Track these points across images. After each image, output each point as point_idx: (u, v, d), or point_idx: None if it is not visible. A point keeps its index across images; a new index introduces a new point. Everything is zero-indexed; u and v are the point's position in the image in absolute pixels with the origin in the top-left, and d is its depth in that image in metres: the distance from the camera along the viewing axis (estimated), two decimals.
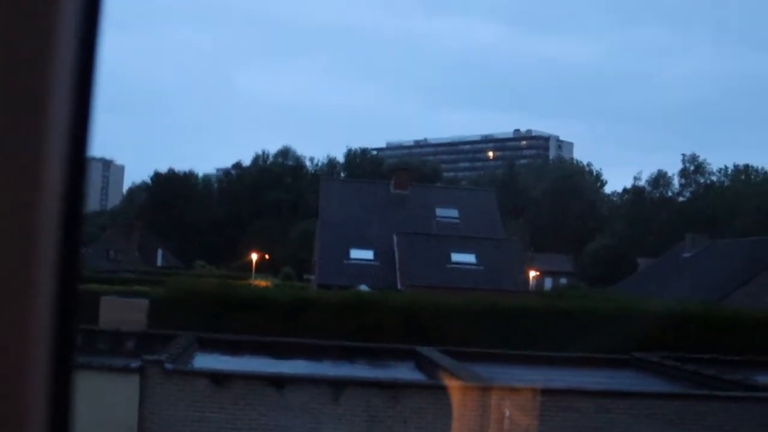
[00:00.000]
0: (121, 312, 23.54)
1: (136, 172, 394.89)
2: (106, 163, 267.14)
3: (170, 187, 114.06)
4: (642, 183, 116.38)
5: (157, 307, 25.85)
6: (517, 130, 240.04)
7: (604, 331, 26.92)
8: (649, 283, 57.30)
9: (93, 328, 22.99)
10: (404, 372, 20.68)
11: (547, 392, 17.44)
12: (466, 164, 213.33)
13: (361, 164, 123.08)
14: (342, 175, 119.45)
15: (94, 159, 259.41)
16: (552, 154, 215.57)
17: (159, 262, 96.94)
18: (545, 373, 20.40)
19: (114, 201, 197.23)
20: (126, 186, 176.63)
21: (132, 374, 16.68)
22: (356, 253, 49.82)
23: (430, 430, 16.31)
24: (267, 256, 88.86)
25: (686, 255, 62.22)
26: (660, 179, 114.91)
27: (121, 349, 21.59)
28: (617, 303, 29.92)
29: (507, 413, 16.20)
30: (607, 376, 21.92)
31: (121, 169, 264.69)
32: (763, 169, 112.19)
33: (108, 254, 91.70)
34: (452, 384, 17.30)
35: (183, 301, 25.94)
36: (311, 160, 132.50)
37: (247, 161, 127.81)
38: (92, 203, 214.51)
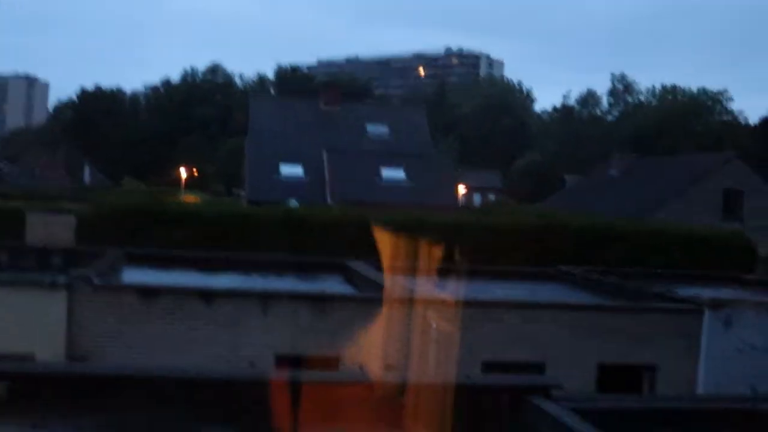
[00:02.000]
0: (48, 229, 23.25)
1: (62, 90, 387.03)
2: (30, 81, 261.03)
3: (97, 105, 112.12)
4: (571, 102, 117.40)
5: (84, 224, 25.56)
6: (448, 48, 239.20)
7: (531, 245, 27.36)
8: (576, 200, 58.10)
9: (19, 245, 22.73)
10: (333, 285, 20.82)
11: (474, 304, 17.72)
12: (398, 81, 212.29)
13: (292, 81, 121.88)
14: (272, 92, 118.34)
15: (17, 76, 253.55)
16: (483, 72, 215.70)
17: (86, 180, 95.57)
18: (472, 286, 20.68)
19: (39, 119, 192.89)
20: (51, 104, 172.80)
21: (59, 290, 16.52)
22: (286, 169, 49.64)
23: (358, 342, 16.50)
24: (196, 173, 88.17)
25: (613, 173, 63.11)
26: (589, 98, 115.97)
27: (48, 266, 21.37)
28: (544, 219, 30.35)
29: (434, 325, 16.44)
30: (533, 289, 22.31)
31: (46, 86, 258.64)
32: (689, 89, 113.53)
33: (33, 172, 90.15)
34: (380, 296, 17.47)
35: (111, 217, 25.70)
36: (241, 77, 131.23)
37: (175, 78, 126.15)
38: (16, 121, 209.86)
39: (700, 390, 18.14)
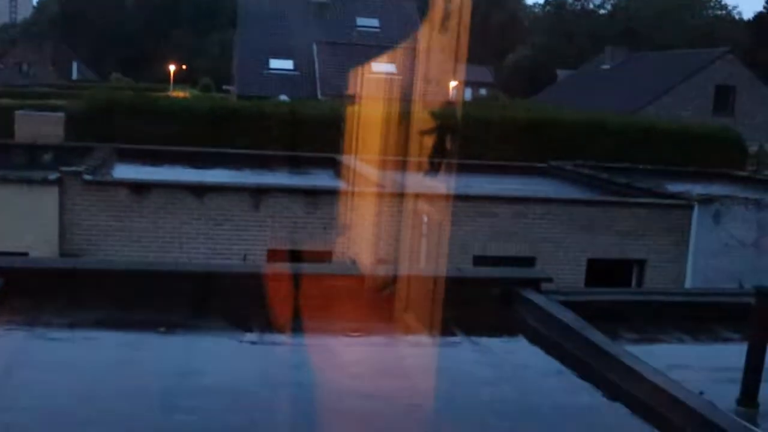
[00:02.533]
0: (37, 126, 23.13)
1: None
2: None
3: None
4: None
5: (73, 121, 25.44)
6: None
7: (522, 140, 27.33)
8: (568, 94, 57.85)
9: (8, 143, 22.62)
10: (324, 179, 20.85)
11: (465, 198, 17.79)
12: None
13: None
14: None
15: None
16: None
17: (74, 76, 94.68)
18: (464, 180, 20.74)
19: (24, 13, 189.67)
20: None
21: (51, 186, 16.52)
22: (276, 63, 49.22)
23: (350, 235, 16.61)
24: (185, 67, 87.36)
25: (605, 67, 62.74)
26: None
27: (38, 163, 21.32)
28: (535, 113, 30.25)
29: (425, 218, 16.53)
30: (524, 183, 22.37)
31: None
32: None
33: (20, 68, 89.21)
34: (371, 190, 17.52)
35: (100, 113, 25.54)
36: None
37: None
38: (1, 18, 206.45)
39: (688, 284, 18.35)
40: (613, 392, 5.94)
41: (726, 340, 8.03)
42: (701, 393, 5.69)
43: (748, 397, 6.10)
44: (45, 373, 5.86)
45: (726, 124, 38.16)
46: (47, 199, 16.37)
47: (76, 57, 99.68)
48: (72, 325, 6.75)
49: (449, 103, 39.35)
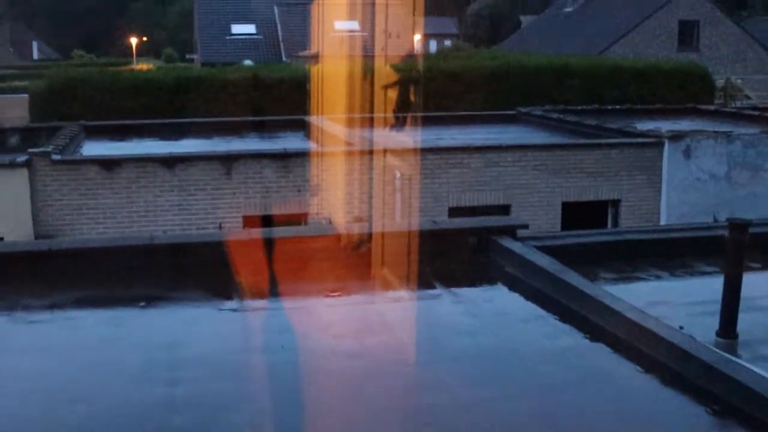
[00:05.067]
0: (1, 108, 22.96)
1: None
2: None
3: None
4: None
5: (38, 101, 25.23)
6: None
7: (489, 89, 27.33)
8: (532, 41, 57.76)
9: None
10: (295, 142, 20.79)
11: (436, 150, 17.81)
12: None
13: None
14: None
15: None
16: None
17: (35, 56, 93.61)
18: (434, 132, 20.75)
19: None
20: None
21: (19, 168, 16.39)
22: (238, 28, 48.88)
23: (323, 196, 16.62)
24: (147, 40, 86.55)
25: (568, 10, 62.60)
26: None
27: (5, 146, 21.14)
28: (500, 60, 30.21)
29: (398, 174, 16.54)
30: (495, 132, 22.40)
31: None
32: None
33: None
34: (341, 149, 17.50)
35: (64, 92, 25.31)
36: None
37: None
38: None
39: (663, 221, 18.49)
40: (594, 333, 6.00)
41: (703, 273, 8.11)
42: (681, 328, 5.76)
43: (727, 328, 6.17)
44: (28, 355, 5.86)
45: (692, 59, 38.25)
46: (17, 182, 16.25)
47: (35, 37, 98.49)
48: (52, 307, 6.74)
49: (412, 57, 39.27)
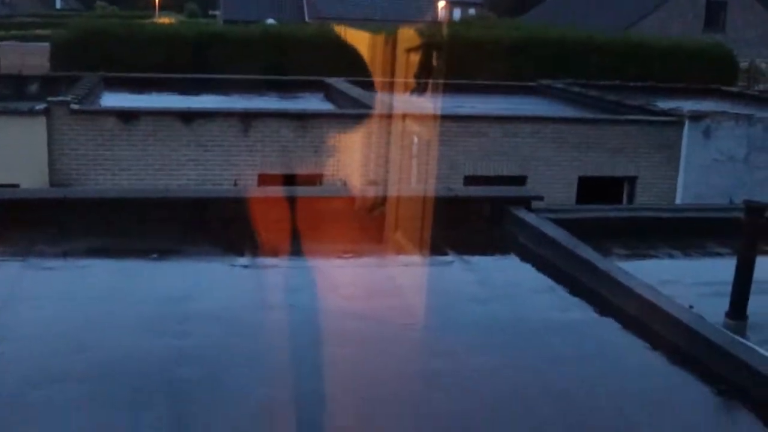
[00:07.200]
0: (22, 57, 22.96)
1: None
2: None
3: None
4: None
5: (59, 51, 25.21)
6: None
7: (512, 59, 27.18)
8: (557, 13, 57.30)
9: None
10: (314, 103, 20.74)
11: (455, 117, 17.74)
12: None
13: None
14: None
15: None
16: None
17: (58, 5, 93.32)
18: (454, 100, 20.65)
19: None
20: None
21: (38, 117, 16.39)
22: None
23: (340, 158, 16.59)
24: None
25: None
26: None
27: (24, 93, 21.15)
28: (523, 31, 30.01)
29: (415, 140, 16.50)
30: (515, 102, 22.28)
31: None
32: None
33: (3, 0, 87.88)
34: (361, 112, 17.45)
35: (86, 42, 25.31)
36: None
37: None
38: None
39: (679, 200, 18.41)
40: (603, 307, 6.00)
41: (715, 254, 8.09)
42: (691, 307, 5.75)
43: (737, 310, 6.16)
44: (39, 301, 5.90)
45: (717, 40, 37.91)
46: (35, 130, 16.26)
47: None
48: (65, 254, 6.77)
49: (436, 23, 39.04)
